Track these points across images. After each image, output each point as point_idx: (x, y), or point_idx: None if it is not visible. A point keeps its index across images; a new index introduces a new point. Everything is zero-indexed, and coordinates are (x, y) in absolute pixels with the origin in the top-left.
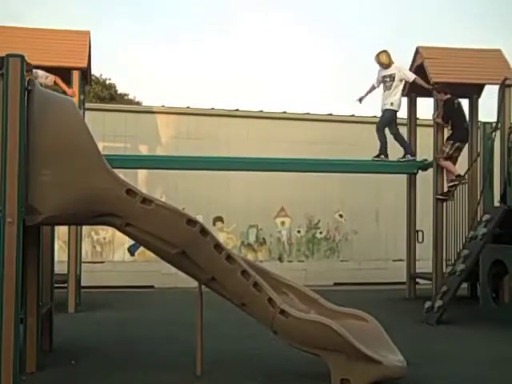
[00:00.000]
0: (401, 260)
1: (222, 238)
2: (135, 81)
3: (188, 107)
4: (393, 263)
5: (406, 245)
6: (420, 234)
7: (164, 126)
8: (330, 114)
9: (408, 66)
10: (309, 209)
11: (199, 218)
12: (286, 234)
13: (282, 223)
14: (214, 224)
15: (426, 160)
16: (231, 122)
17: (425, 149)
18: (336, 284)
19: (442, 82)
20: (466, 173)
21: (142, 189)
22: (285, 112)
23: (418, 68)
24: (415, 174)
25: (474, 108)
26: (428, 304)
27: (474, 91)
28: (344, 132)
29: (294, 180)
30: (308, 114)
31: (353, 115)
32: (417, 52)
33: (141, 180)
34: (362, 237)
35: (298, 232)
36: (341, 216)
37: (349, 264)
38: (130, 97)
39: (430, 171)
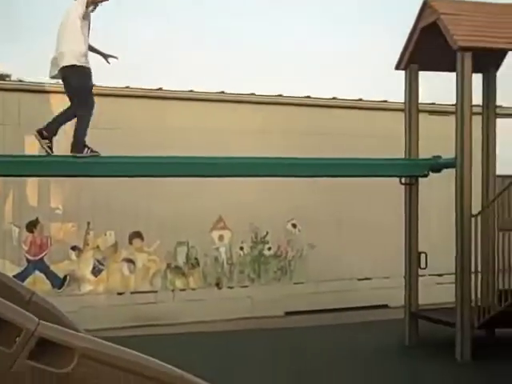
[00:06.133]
0: (367, 279)
1: (141, 260)
2: None
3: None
4: (358, 283)
5: (404, 271)
6: (423, 256)
7: None
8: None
9: None
10: (254, 218)
11: (111, 235)
12: (226, 251)
13: (220, 238)
14: (130, 242)
15: (439, 157)
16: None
17: (438, 141)
18: (288, 313)
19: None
20: None
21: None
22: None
23: (429, 28)
24: (426, 176)
25: (490, 84)
26: None
27: (492, 62)
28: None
29: (234, 183)
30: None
31: (360, 99)
32: (425, 6)
33: (30, 188)
34: (320, 252)
35: (241, 249)
36: (294, 226)
37: (304, 287)
38: None
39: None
